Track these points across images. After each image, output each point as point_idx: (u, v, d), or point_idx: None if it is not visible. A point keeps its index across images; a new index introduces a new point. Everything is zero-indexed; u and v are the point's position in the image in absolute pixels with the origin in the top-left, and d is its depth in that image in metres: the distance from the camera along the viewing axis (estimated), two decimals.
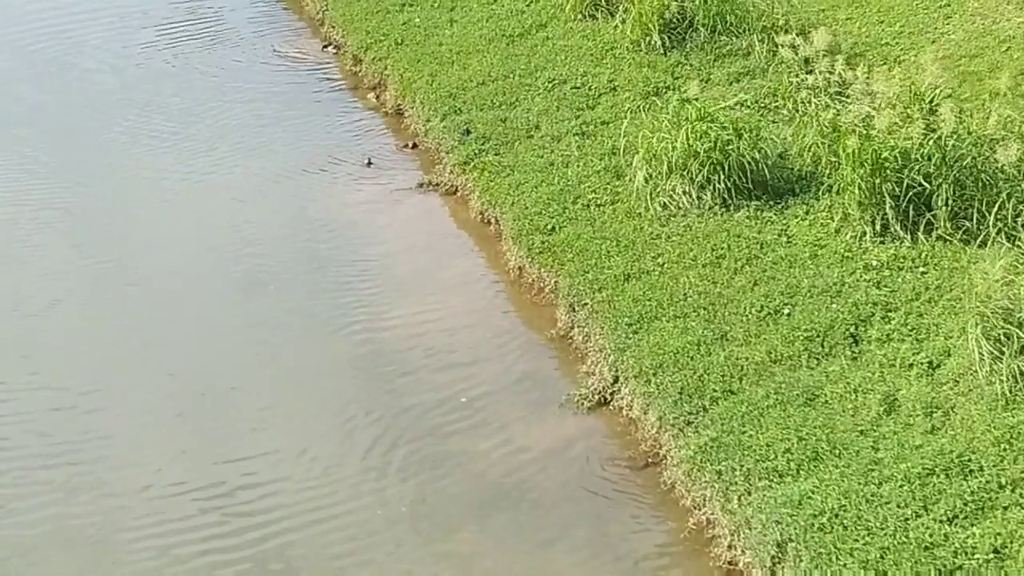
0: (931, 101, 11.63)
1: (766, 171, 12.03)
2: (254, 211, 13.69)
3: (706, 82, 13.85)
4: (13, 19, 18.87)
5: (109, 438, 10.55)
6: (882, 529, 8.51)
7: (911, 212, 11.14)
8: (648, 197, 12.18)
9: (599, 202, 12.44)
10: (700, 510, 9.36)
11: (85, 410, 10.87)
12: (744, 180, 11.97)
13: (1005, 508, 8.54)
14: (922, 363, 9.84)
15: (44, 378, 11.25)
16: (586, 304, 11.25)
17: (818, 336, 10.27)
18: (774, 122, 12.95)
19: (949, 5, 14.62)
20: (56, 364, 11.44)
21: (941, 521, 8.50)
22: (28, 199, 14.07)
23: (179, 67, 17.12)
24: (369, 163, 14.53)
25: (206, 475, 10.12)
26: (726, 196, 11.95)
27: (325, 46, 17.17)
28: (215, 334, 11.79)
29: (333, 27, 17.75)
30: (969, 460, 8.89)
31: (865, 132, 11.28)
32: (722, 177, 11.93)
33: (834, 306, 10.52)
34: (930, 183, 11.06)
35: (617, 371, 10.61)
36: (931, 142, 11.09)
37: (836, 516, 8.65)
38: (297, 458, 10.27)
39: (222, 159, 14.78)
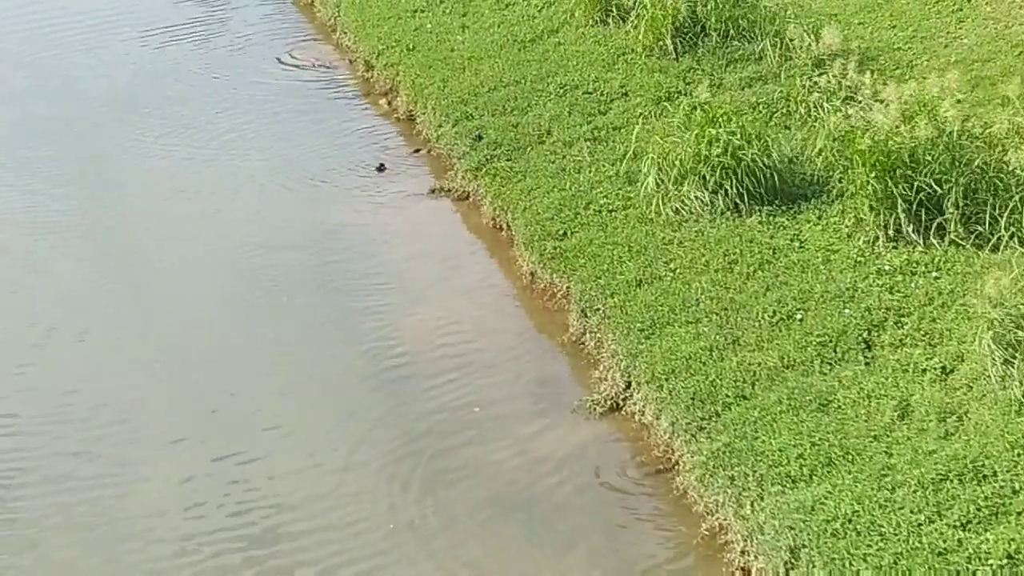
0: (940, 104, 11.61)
1: (777, 176, 12.02)
2: (265, 218, 13.71)
3: (718, 87, 13.87)
4: (24, 30, 18.99)
5: (137, 467, 10.46)
6: (895, 535, 8.49)
7: (923, 217, 11.13)
8: (660, 202, 12.17)
9: (611, 207, 12.44)
10: (713, 516, 9.34)
11: (114, 442, 10.77)
12: (756, 185, 11.96)
13: (1019, 513, 8.51)
14: (935, 368, 9.82)
15: (76, 409, 11.12)
16: (598, 309, 11.25)
17: (831, 341, 10.25)
18: (786, 127, 12.94)
19: (961, 10, 14.61)
20: (76, 391, 11.33)
21: (955, 527, 8.47)
22: (41, 219, 14.03)
23: (187, 74, 17.19)
24: (381, 168, 14.55)
25: (222, 492, 10.11)
26: (738, 201, 11.94)
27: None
28: (228, 351, 11.73)
29: (345, 33, 17.80)
30: (983, 465, 8.86)
31: (875, 134, 11.26)
32: (734, 182, 11.93)
33: (847, 311, 10.51)
34: (941, 187, 11.04)
35: (629, 376, 10.60)
36: (940, 143, 11.07)
37: (849, 522, 8.63)
38: (310, 469, 10.26)
39: (232, 167, 14.82)
